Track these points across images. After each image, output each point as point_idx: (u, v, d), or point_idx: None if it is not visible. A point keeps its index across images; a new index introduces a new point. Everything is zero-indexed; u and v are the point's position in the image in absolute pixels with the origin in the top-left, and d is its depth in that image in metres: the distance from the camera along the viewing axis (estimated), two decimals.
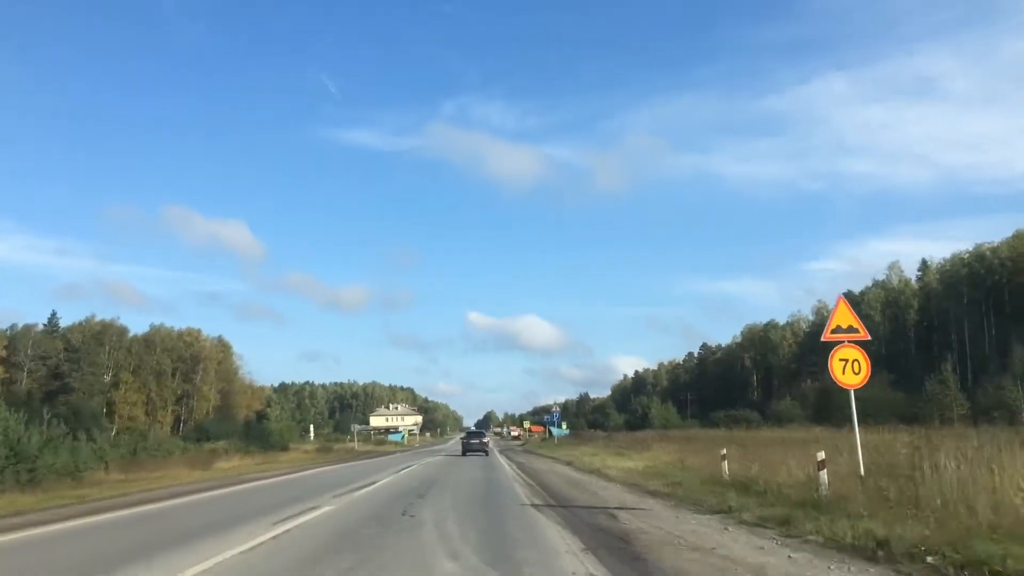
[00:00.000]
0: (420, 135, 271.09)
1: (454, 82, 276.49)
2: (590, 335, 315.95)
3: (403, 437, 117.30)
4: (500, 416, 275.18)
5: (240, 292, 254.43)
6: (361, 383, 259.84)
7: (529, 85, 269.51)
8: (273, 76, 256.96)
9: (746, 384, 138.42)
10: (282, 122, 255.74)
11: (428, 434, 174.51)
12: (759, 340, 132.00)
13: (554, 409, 62.82)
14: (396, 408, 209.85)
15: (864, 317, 79.31)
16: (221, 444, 48.15)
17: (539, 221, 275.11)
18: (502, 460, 39.33)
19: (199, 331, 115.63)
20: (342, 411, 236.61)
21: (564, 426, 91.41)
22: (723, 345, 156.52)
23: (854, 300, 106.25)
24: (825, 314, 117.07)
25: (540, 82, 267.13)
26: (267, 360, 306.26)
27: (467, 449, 51.01)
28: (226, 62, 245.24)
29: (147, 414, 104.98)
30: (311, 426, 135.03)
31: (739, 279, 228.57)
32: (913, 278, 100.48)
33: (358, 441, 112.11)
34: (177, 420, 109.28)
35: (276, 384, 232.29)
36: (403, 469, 30.15)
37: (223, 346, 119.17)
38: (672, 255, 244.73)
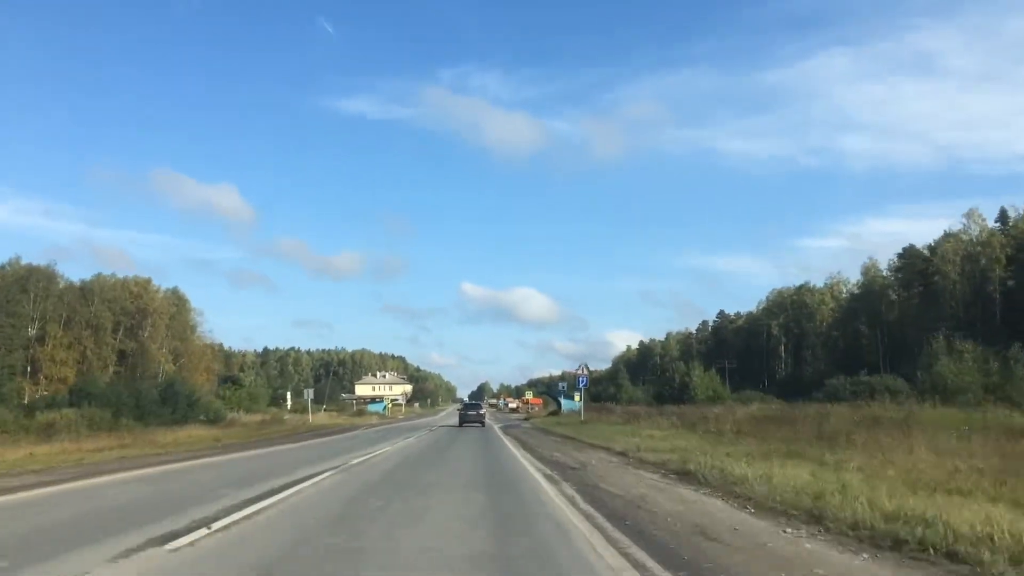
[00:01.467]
0: (416, 104, 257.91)
1: (452, 51, 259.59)
2: (584, 308, 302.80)
3: (384, 408, 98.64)
4: (495, 388, 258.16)
5: (231, 258, 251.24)
6: (350, 350, 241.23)
7: (527, 56, 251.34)
8: (269, 38, 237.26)
9: (772, 354, 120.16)
10: (277, 87, 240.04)
11: (417, 404, 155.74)
12: (791, 305, 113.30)
13: (580, 373, 44.33)
14: (384, 376, 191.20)
15: (939, 274, 59.08)
16: (68, 414, 29.68)
17: (534, 192, 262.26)
18: (522, 457, 20.06)
19: (148, 280, 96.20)
20: (328, 379, 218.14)
21: (577, 398, 72.97)
22: (742, 313, 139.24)
23: (918, 256, 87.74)
24: (875, 273, 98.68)
25: (539, 53, 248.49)
26: (258, 327, 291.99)
27: (464, 420, 52.39)
28: (219, 24, 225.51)
29: (81, 375, 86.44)
30: (288, 393, 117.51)
31: (735, 255, 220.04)
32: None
33: (332, 412, 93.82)
34: None
35: (259, 350, 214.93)
36: (302, 482, 11.81)
37: (178, 299, 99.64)
38: (668, 229, 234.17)
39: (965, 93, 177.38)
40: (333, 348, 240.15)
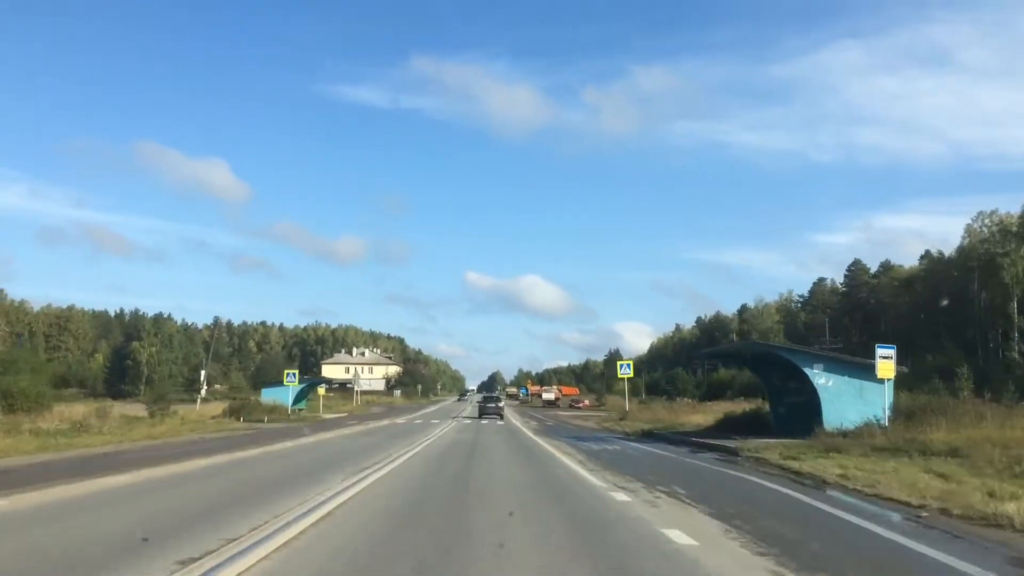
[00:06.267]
0: (423, 92, 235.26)
1: (460, 40, 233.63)
2: (593, 298, 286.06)
3: (306, 400, 45.57)
4: (507, 379, 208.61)
5: (229, 243, 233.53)
6: (333, 326, 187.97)
7: (535, 45, 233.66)
8: (267, 24, 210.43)
9: (964, 323, 68.16)
10: (275, 72, 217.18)
11: (398, 393, 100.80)
12: None
13: None
14: (363, 354, 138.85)
15: None
16: None
17: (540, 181, 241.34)
18: None
19: None
20: (304, 359, 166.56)
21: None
22: (900, 264, 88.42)
23: None
24: None
25: (546, 42, 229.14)
26: (261, 316, 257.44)
27: (483, 412, 43.73)
28: (215, 10, 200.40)
29: None
30: (202, 372, 65.91)
31: (746, 248, 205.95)
32: None
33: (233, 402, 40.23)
34: None
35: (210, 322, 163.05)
36: None
37: None
38: (678, 221, 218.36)
39: (980, 87, 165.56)
40: (310, 324, 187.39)
